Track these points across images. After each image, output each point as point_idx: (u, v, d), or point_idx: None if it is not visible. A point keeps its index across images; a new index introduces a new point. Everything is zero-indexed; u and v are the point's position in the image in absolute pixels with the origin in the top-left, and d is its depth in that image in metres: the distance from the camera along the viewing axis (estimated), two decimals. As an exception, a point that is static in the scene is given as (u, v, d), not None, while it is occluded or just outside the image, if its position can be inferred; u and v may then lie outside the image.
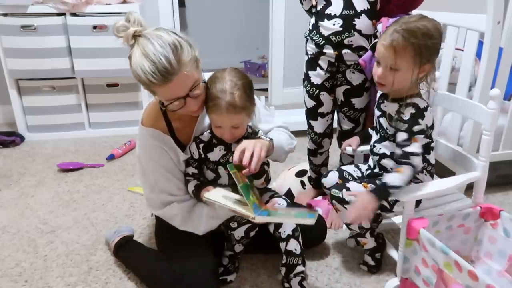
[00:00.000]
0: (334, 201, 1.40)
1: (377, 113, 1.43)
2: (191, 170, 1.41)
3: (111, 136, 2.80)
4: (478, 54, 1.77)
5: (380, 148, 1.43)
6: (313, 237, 1.60)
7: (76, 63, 2.61)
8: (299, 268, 1.41)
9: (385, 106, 1.38)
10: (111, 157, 2.48)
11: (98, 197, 2.07)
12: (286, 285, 1.43)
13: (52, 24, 2.51)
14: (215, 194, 1.30)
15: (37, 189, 2.14)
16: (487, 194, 1.60)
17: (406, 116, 1.29)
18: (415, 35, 1.23)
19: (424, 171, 1.41)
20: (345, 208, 1.39)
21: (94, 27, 2.54)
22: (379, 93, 1.50)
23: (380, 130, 1.42)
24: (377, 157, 1.44)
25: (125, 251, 1.57)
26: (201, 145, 1.38)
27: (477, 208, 1.36)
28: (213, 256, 1.40)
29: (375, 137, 1.46)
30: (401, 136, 1.29)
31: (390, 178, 1.26)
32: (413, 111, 1.30)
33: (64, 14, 2.54)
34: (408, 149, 1.27)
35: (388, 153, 1.41)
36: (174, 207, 1.40)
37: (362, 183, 1.40)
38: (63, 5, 2.49)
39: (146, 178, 1.42)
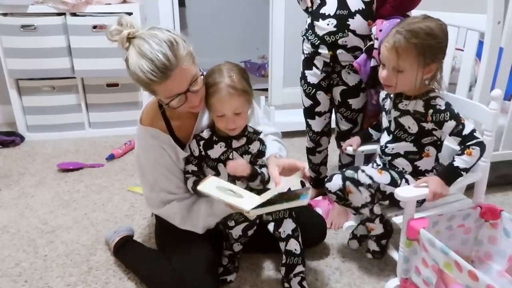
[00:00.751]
0: (348, 182, 1.36)
1: (394, 113, 1.40)
2: (191, 167, 1.41)
3: (111, 136, 2.80)
4: (478, 54, 1.77)
5: (393, 149, 1.42)
6: (313, 237, 1.60)
7: (76, 63, 2.61)
8: (299, 268, 1.41)
9: (405, 105, 1.36)
10: (111, 157, 2.48)
11: (98, 197, 2.07)
12: (286, 285, 1.43)
13: (52, 24, 2.51)
14: (209, 186, 1.27)
15: (37, 189, 2.14)
16: (487, 194, 1.60)
17: (442, 106, 1.30)
18: (417, 36, 1.23)
19: (434, 170, 1.41)
20: (359, 190, 1.36)
21: (94, 27, 2.54)
22: (382, 94, 1.49)
23: (396, 131, 1.40)
24: (389, 157, 1.44)
25: (125, 251, 1.57)
26: (201, 142, 1.38)
27: (477, 208, 1.36)
28: (211, 250, 1.40)
29: (386, 137, 1.45)
30: (450, 124, 1.30)
31: (460, 162, 1.28)
32: (443, 100, 1.31)
33: (64, 14, 2.53)
34: (466, 130, 1.29)
35: (402, 153, 1.40)
36: (174, 205, 1.40)
37: (377, 169, 1.40)
38: (63, 5, 2.49)
39: (145, 177, 1.42)
